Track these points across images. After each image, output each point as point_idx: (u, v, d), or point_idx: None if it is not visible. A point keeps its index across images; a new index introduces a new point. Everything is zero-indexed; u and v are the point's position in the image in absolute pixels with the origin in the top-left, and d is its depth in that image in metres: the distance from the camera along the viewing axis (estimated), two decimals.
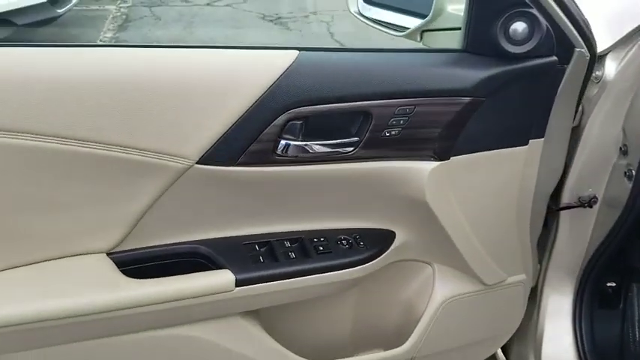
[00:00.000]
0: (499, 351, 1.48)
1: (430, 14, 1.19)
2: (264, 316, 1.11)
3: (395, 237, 1.13)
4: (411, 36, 1.26)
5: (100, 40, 5.18)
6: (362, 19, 1.38)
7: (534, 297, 1.42)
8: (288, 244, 1.07)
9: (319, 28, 5.53)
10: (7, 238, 0.88)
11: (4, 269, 0.89)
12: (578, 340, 1.35)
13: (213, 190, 0.98)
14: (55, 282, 0.90)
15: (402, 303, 1.23)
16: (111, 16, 5.80)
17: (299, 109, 0.94)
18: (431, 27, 1.21)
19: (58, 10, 4.48)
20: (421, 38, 1.25)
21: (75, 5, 4.82)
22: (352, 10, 1.39)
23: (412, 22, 1.25)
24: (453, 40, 1.09)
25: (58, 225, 0.90)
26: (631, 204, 1.19)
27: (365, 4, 1.37)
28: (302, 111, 0.95)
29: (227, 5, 6.21)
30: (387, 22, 1.35)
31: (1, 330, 0.83)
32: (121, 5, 6.07)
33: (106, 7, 6.02)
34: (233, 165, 0.95)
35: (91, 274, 0.93)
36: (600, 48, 1.19)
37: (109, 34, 5.35)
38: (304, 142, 0.99)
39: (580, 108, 1.24)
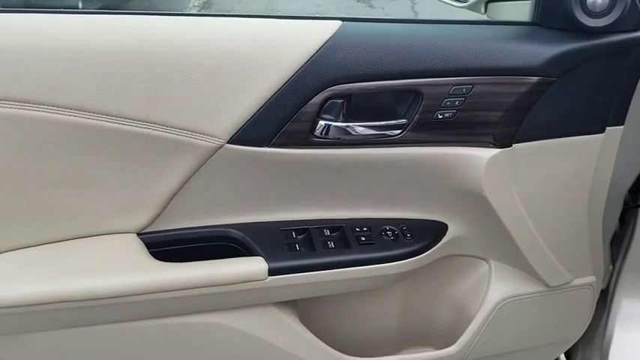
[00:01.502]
0: (562, 355, 1.36)
1: None
2: (301, 307, 1.05)
3: (447, 230, 1.04)
4: (474, 7, 1.14)
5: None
6: None
7: (604, 300, 1.29)
8: (327, 232, 1.00)
9: (403, 6, 5.32)
10: (34, 213, 0.86)
11: (32, 245, 0.88)
12: None
13: (246, 172, 0.92)
14: (83, 261, 0.88)
15: (453, 301, 1.14)
16: None
17: (340, 86, 0.86)
18: None
19: None
20: (485, 10, 1.12)
21: None
22: None
23: None
24: (523, 13, 0.96)
25: (86, 202, 0.88)
26: None
27: None
28: (343, 88, 0.86)
29: None
30: None
31: (23, 309, 0.82)
32: None
33: None
34: (267, 146, 0.88)
35: (120, 255, 0.90)
36: None
37: (193, 11, 5.41)
38: (346, 124, 0.90)
39: None
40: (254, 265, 0.93)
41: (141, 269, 0.89)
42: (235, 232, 0.97)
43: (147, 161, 0.86)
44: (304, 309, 1.06)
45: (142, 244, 0.92)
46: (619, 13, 0.86)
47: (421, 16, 4.98)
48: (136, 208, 0.91)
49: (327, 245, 0.98)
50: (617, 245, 1.27)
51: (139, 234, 0.94)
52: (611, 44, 0.89)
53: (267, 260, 0.93)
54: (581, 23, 0.87)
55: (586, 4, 0.86)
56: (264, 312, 0.99)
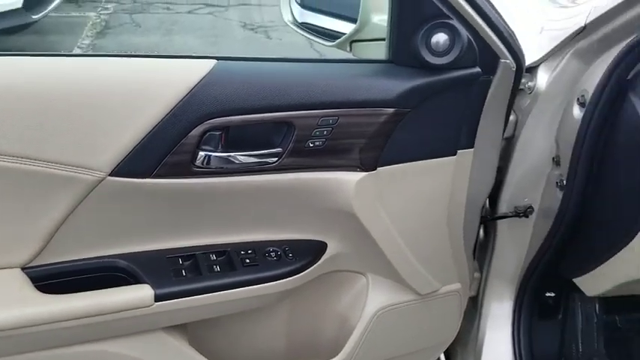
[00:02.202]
0: (442, 356, 1.48)
1: (357, 25, 1.19)
2: (192, 331, 1.10)
3: (326, 248, 1.13)
4: (341, 45, 1.26)
5: (78, 47, 5.15)
6: (296, 28, 1.37)
7: (475, 305, 1.43)
8: (213, 257, 1.06)
9: (300, 37, 5.51)
10: None
11: None
12: (516, 349, 1.35)
13: (129, 203, 0.96)
14: None
15: (336, 314, 1.23)
16: (90, 22, 5.78)
17: (216, 120, 0.94)
18: (359, 37, 1.21)
19: (33, 17, 4.43)
20: (351, 48, 1.25)
21: (54, 11, 4.79)
22: (286, 20, 1.39)
23: (349, 29, 1.25)
24: (382, 51, 1.09)
25: None
26: (562, 214, 1.19)
27: (302, 10, 1.36)
28: (220, 121, 0.94)
29: (209, 13, 6.21)
30: (325, 28, 1.35)
31: None
32: (101, 12, 6.06)
33: (87, 13, 6.00)
34: (149, 177, 0.93)
35: (3, 290, 0.91)
36: (532, 59, 1.20)
37: (87, 41, 5.32)
38: (226, 153, 0.98)
39: (514, 118, 1.24)
40: (140, 292, 0.97)
41: (25, 303, 0.90)
42: (122, 262, 1.01)
43: (28, 196, 0.89)
44: (194, 332, 1.10)
45: (27, 278, 0.94)
46: (458, 52, 0.99)
47: (317, 45, 5.15)
48: (19, 242, 0.93)
49: (213, 269, 1.04)
50: (482, 254, 1.42)
51: (23, 268, 0.95)
52: (454, 79, 1.02)
53: (153, 287, 0.97)
54: (427, 61, 1.00)
55: (430, 44, 0.99)
56: (154, 337, 1.02)
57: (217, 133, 0.96)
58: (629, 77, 1.06)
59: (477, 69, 1.03)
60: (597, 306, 1.54)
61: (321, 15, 1.36)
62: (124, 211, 0.97)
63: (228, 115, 0.94)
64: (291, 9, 1.39)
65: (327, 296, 1.21)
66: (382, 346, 1.22)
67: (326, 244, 1.13)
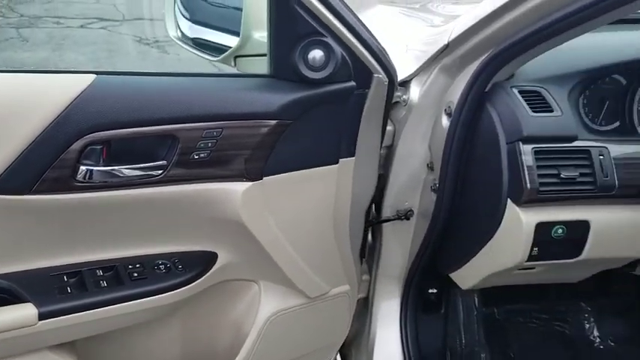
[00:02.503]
0: (338, 357, 1.54)
1: (239, 41, 1.24)
2: (82, 347, 1.08)
3: (217, 258, 1.15)
4: (225, 60, 1.30)
5: None
6: (181, 44, 1.40)
7: (367, 306, 1.50)
8: (100, 272, 1.05)
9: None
10: None
11: None
12: (404, 344, 1.43)
13: (9, 221, 0.94)
14: None
15: (231, 323, 1.25)
16: None
17: (97, 134, 0.94)
18: (242, 52, 1.25)
19: None
20: (235, 63, 1.30)
21: None
22: (172, 35, 1.41)
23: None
24: (265, 66, 1.14)
25: None
26: (437, 215, 1.29)
27: (192, 25, 1.39)
28: (101, 135, 0.94)
29: (102, 28, 6.01)
30: (217, 43, 1.38)
31: None
32: None
33: None
34: (28, 193, 0.92)
35: None
36: (405, 74, 1.31)
37: None
38: (110, 167, 0.98)
39: (392, 129, 1.34)
40: (23, 312, 0.95)
41: None
42: (3, 282, 0.98)
43: None
44: (85, 348, 1.09)
45: None
46: (333, 68, 1.06)
47: (216, 65, 5.16)
48: None
49: (100, 285, 1.03)
50: (371, 257, 1.50)
51: None
52: (331, 92, 1.09)
53: (36, 305, 0.95)
54: (305, 76, 1.06)
55: (307, 60, 1.06)
56: (40, 357, 1.00)
57: (99, 147, 0.96)
58: (486, 90, 1.18)
59: (352, 83, 1.10)
60: (476, 299, 1.67)
61: (212, 30, 1.39)
62: (4, 230, 0.95)
63: (109, 129, 0.95)
64: (177, 24, 1.41)
65: (221, 305, 1.23)
66: (276, 351, 1.26)
67: (216, 255, 1.15)
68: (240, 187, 1.08)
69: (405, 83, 1.32)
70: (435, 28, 1.38)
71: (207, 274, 1.13)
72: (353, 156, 1.20)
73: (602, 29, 1.34)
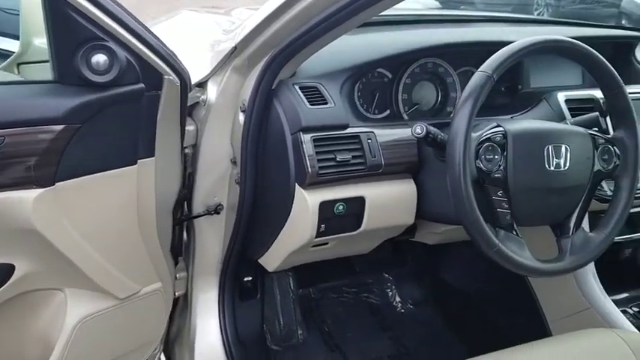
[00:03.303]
0: (163, 357, 1.57)
1: (19, 47, 1.22)
2: None
3: (14, 270, 1.12)
4: (8, 68, 1.27)
5: None
6: None
7: (186, 301, 1.55)
8: None
9: None
10: None
11: None
12: (223, 333, 1.51)
13: None
14: None
15: (38, 334, 1.22)
16: None
17: None
18: (25, 59, 1.23)
19: None
20: (19, 71, 1.27)
21: None
22: None
23: None
24: (49, 72, 1.13)
25: None
26: (241, 206, 1.38)
27: None
28: None
29: None
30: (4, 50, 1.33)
31: None
32: None
33: None
34: None
35: None
36: (202, 75, 1.38)
37: None
38: None
39: (194, 128, 1.40)
40: None
41: None
42: None
43: None
44: None
45: None
46: (117, 71, 1.09)
47: None
48: None
49: None
50: (187, 254, 1.55)
51: None
52: (119, 95, 1.12)
53: None
54: (90, 80, 1.07)
55: (91, 64, 1.07)
56: None
57: None
58: (273, 87, 1.29)
59: (141, 85, 1.14)
60: (291, 282, 1.81)
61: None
62: None
63: None
64: None
65: (25, 319, 1.19)
66: (88, 356, 1.25)
67: (13, 266, 1.12)
68: (30, 194, 1.06)
69: (203, 84, 1.39)
70: (227, 32, 1.48)
71: (4, 286, 1.09)
72: (152, 156, 1.23)
73: (367, 30, 1.55)
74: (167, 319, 1.44)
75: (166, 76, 1.18)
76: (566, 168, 1.15)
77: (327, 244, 1.34)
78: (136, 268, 1.29)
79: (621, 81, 1.21)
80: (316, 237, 1.26)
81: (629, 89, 1.49)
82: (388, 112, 1.45)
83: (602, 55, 1.70)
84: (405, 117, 1.45)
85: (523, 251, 1.11)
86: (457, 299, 1.97)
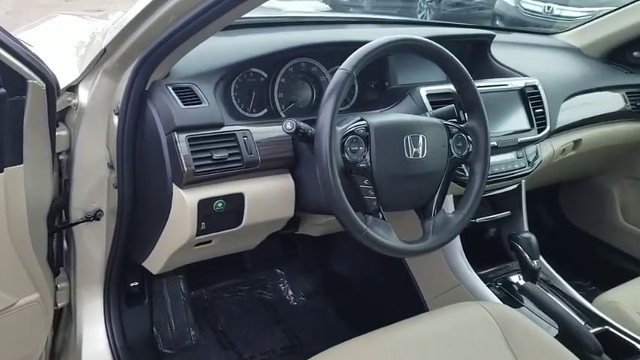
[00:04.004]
0: None
1: None
2: None
3: None
4: None
5: None
6: None
7: (71, 310, 1.51)
8: None
9: None
10: None
11: None
12: (111, 341, 1.48)
13: None
14: None
15: None
16: None
17: None
18: None
19: None
20: None
21: None
22: None
23: None
24: None
25: None
26: (121, 210, 1.37)
27: None
28: None
29: None
30: None
31: None
32: None
33: None
34: None
35: None
36: (72, 78, 1.35)
37: None
38: None
39: (67, 133, 1.37)
40: None
41: None
42: None
43: None
44: None
45: None
46: None
47: None
48: None
49: None
50: (69, 263, 1.51)
51: None
52: None
53: None
54: None
55: None
56: None
57: None
58: (147, 89, 1.30)
59: (2, 90, 1.11)
60: (182, 285, 1.81)
61: None
62: None
63: None
64: None
65: None
66: None
67: None
68: None
69: (74, 88, 1.37)
70: (96, 35, 1.45)
71: None
72: (21, 163, 1.20)
73: (244, 32, 1.59)
74: (49, 331, 1.39)
75: (30, 80, 1.16)
76: (424, 156, 1.26)
77: (210, 242, 1.36)
78: (9, 280, 1.24)
79: (469, 75, 1.33)
80: (197, 235, 1.28)
81: (487, 82, 1.65)
82: (266, 110, 1.50)
83: (463, 53, 1.86)
84: (283, 115, 1.51)
85: (390, 234, 1.20)
86: (346, 287, 2.06)
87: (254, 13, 1.47)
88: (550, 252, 2.43)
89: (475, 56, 1.86)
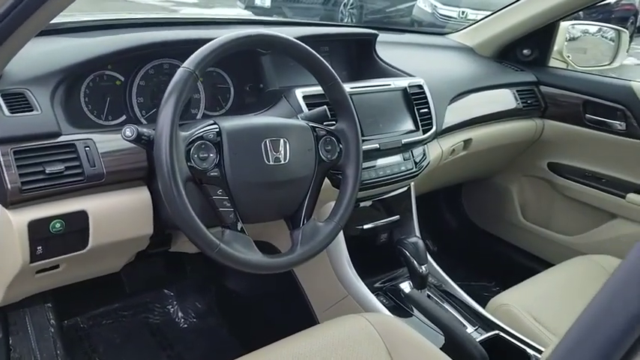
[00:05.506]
0: None
1: None
2: None
3: None
4: None
5: None
6: None
7: None
8: None
9: None
10: None
11: None
12: None
13: None
14: None
15: None
16: None
17: None
18: None
19: None
20: None
21: None
22: None
23: None
24: None
25: None
26: None
27: None
28: None
29: None
30: None
31: None
32: None
33: None
34: None
35: None
36: None
37: None
38: None
39: None
40: None
41: None
42: None
43: None
44: None
45: None
46: None
47: None
48: None
49: None
50: None
51: None
52: None
53: None
54: None
55: None
56: None
57: None
58: None
59: None
60: (50, 315, 1.63)
61: None
62: None
63: None
64: None
65: None
66: None
67: None
68: None
69: None
70: None
71: None
72: None
73: (92, 34, 1.44)
74: None
75: None
76: (287, 161, 1.16)
77: (58, 267, 1.21)
78: None
79: (335, 74, 1.25)
80: (33, 262, 1.12)
81: (369, 83, 1.58)
82: (124, 117, 1.36)
83: (349, 52, 1.79)
84: (144, 121, 1.38)
85: (249, 249, 1.10)
86: (241, 305, 1.94)
87: (110, 15, 1.33)
88: (455, 253, 2.41)
89: (361, 57, 1.79)
